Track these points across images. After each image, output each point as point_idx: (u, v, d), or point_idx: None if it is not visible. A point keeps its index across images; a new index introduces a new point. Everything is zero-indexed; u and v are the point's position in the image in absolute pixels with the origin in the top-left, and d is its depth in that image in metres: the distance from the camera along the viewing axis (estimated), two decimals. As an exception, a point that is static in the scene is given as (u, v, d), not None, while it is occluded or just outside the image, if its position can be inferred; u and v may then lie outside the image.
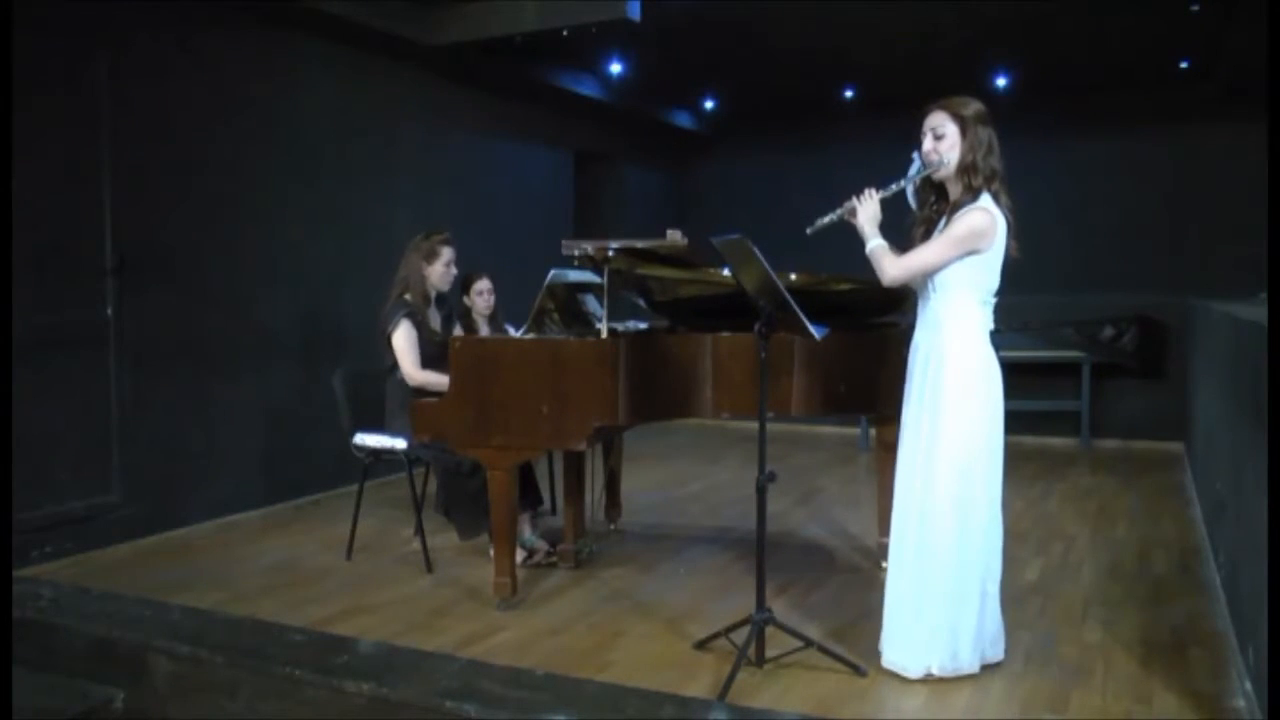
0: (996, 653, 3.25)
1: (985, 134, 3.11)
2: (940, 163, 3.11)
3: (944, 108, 3.14)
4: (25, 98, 4.27)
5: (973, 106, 3.13)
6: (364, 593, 4.14)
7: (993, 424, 3.13)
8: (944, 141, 3.11)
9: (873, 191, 3.17)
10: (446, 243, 4.59)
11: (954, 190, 3.16)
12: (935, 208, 3.23)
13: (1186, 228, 8.08)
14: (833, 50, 7.20)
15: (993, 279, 3.12)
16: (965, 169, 3.10)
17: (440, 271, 4.58)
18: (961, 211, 3.08)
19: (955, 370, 3.09)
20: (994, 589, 3.21)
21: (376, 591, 4.16)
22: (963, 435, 3.09)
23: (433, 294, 4.61)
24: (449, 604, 3.99)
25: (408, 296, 4.51)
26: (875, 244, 3.15)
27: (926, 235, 3.21)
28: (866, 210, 3.16)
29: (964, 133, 3.10)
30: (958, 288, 3.10)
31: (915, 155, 3.22)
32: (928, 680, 3.13)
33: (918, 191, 3.26)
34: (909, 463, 3.18)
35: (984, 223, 3.04)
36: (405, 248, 4.64)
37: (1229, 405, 3.97)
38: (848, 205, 3.18)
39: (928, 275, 3.13)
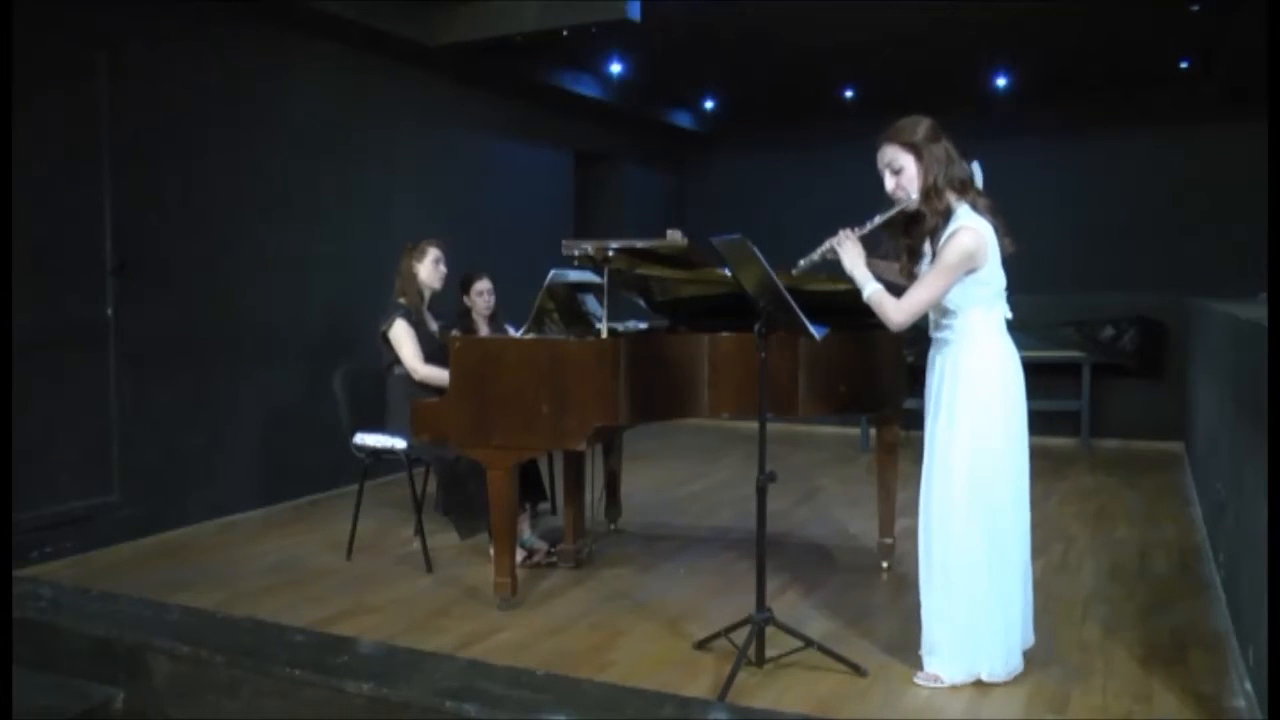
0: (1028, 644, 3.25)
1: (940, 149, 3.06)
2: (908, 197, 3.08)
3: (891, 140, 3.10)
4: (25, 98, 4.27)
5: (920, 128, 3.08)
6: (364, 593, 4.14)
7: (1014, 426, 3.11)
8: (903, 175, 3.08)
9: (849, 231, 3.13)
10: (434, 243, 4.70)
11: (928, 217, 3.09)
12: (918, 230, 3.16)
13: (1186, 228, 8.08)
14: (833, 50, 7.19)
15: (998, 285, 3.10)
16: (929, 194, 3.05)
17: (429, 269, 4.65)
18: (946, 235, 3.04)
19: (970, 386, 3.07)
20: (1029, 587, 3.22)
21: (376, 591, 4.16)
22: (980, 447, 3.06)
23: (426, 294, 4.68)
24: (449, 604, 3.99)
25: (402, 300, 4.59)
26: (871, 289, 3.10)
27: (911, 259, 3.18)
28: (849, 253, 3.11)
29: (919, 158, 3.06)
30: (965, 307, 3.07)
31: None
32: (976, 683, 3.11)
33: (889, 222, 3.17)
34: (928, 477, 3.16)
35: (972, 243, 3.00)
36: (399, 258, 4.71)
37: (1229, 405, 3.97)
38: (828, 245, 3.15)
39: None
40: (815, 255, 3.16)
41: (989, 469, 3.08)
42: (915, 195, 3.07)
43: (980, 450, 3.07)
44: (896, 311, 3.07)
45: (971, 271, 3.02)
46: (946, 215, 3.05)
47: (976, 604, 3.08)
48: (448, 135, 7.04)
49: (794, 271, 3.19)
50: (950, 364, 3.11)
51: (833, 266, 3.22)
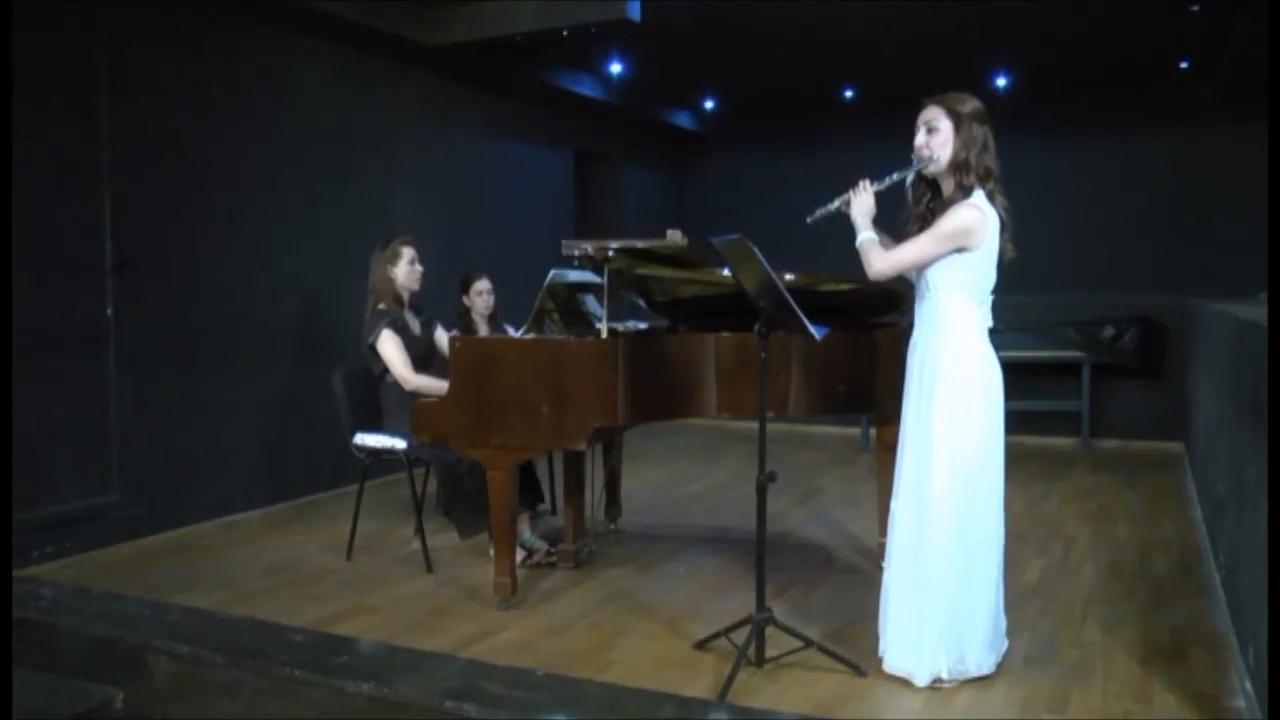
0: (999, 651, 3.24)
1: (980, 132, 3.08)
2: (931, 158, 3.08)
3: (939, 102, 3.11)
4: (25, 98, 4.27)
5: (970, 104, 3.10)
6: (364, 593, 4.14)
7: (991, 424, 3.10)
8: (936, 136, 3.08)
9: (867, 183, 3.15)
10: (405, 243, 4.62)
11: (946, 187, 3.12)
12: (930, 205, 3.19)
13: (1186, 228, 8.09)
14: (833, 50, 7.20)
15: (987, 278, 3.10)
16: (958, 166, 3.07)
17: (405, 271, 4.59)
18: (952, 208, 3.06)
19: (950, 371, 3.07)
20: (999, 589, 3.20)
21: (376, 591, 4.16)
22: (959, 437, 3.06)
23: (405, 296, 4.62)
24: (449, 604, 3.99)
25: (382, 305, 4.53)
26: (865, 237, 3.14)
27: (923, 229, 3.17)
28: (860, 203, 3.14)
29: (958, 129, 3.07)
30: (951, 288, 3.07)
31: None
32: (934, 685, 3.10)
33: (913, 187, 3.22)
34: (908, 465, 3.16)
35: (973, 219, 3.02)
36: (369, 260, 4.64)
37: (1229, 405, 3.97)
38: (845, 196, 3.17)
39: (917, 270, 3.12)
40: (832, 205, 3.18)
41: (964, 476, 3.07)
42: (941, 159, 3.07)
43: (957, 458, 3.06)
44: (881, 260, 3.12)
45: (962, 250, 3.03)
46: (966, 193, 3.06)
47: (937, 603, 3.07)
48: (448, 135, 7.04)
49: (809, 220, 3.19)
50: (931, 356, 3.11)
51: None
